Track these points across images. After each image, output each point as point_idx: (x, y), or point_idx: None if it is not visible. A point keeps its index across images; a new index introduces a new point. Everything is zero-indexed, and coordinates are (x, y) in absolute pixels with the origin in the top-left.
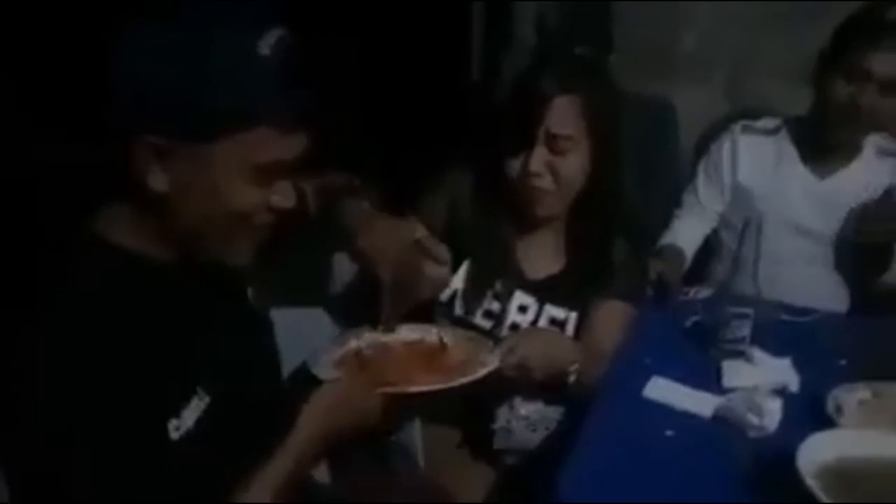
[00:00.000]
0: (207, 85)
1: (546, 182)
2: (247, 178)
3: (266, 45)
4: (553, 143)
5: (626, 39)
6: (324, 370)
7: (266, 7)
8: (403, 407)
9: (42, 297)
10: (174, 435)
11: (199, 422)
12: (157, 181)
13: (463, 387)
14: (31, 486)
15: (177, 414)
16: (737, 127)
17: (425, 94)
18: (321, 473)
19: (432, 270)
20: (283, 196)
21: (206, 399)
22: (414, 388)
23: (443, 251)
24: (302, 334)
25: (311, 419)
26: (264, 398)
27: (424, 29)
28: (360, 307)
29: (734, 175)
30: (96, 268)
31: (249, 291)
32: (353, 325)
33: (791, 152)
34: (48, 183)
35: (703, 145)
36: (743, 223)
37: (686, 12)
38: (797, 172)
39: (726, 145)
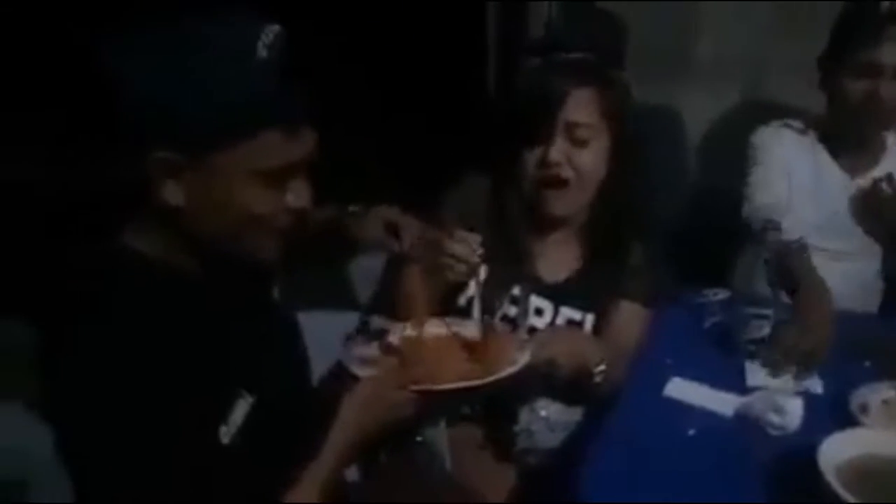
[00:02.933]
0: (208, 95)
1: (566, 172)
2: (260, 182)
3: (263, 46)
4: (572, 132)
5: (642, 41)
6: (358, 366)
7: (258, 5)
8: (435, 403)
9: (83, 315)
10: (225, 440)
11: (245, 423)
12: (173, 195)
13: (494, 384)
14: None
15: (225, 419)
16: (775, 123)
17: (439, 96)
18: (350, 472)
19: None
20: (297, 196)
21: (250, 400)
22: (446, 386)
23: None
24: (322, 336)
25: (351, 416)
26: (300, 396)
27: (439, 30)
28: (386, 307)
29: (785, 164)
30: (132, 280)
31: (276, 293)
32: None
33: (823, 154)
34: (75, 199)
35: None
36: (762, 226)
37: (703, 14)
38: (831, 171)
39: (767, 135)
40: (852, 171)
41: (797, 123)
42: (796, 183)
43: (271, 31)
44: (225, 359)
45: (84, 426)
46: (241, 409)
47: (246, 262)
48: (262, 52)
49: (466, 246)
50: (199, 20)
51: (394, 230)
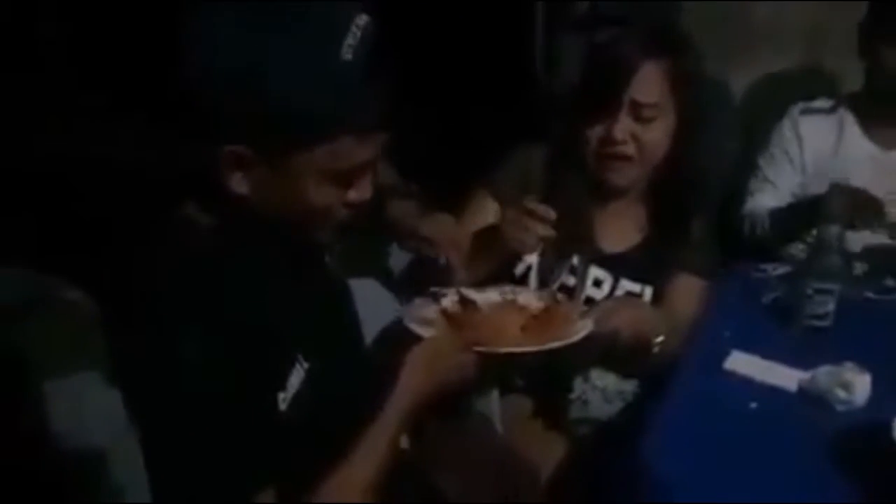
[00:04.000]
0: (291, 97)
1: (629, 149)
2: (327, 181)
3: (348, 48)
4: (638, 111)
5: (699, 8)
6: (419, 326)
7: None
8: (495, 366)
9: (146, 284)
10: (283, 405)
11: (301, 389)
12: (239, 185)
13: (556, 350)
14: (167, 469)
15: (283, 386)
16: (795, 109)
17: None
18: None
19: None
20: (360, 191)
21: (306, 365)
22: (510, 349)
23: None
24: (369, 303)
25: (414, 376)
26: (354, 361)
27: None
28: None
29: (802, 157)
30: (194, 250)
31: (327, 259)
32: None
33: (853, 128)
34: (132, 173)
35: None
36: (827, 194)
37: None
38: (862, 146)
39: (787, 126)
40: (886, 144)
41: (824, 103)
42: (818, 167)
43: (358, 27)
44: (283, 325)
45: (151, 394)
46: (297, 374)
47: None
48: (347, 55)
49: (538, 220)
50: (284, 8)
51: (446, 243)
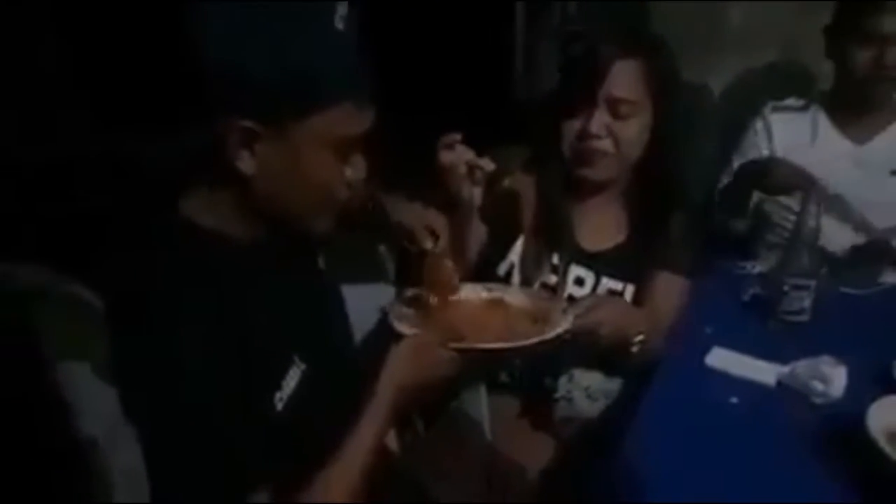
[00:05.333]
0: (290, 65)
1: (606, 144)
2: (329, 153)
3: (340, 18)
4: (614, 106)
5: (672, 13)
6: (401, 324)
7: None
8: (476, 363)
9: (144, 284)
10: (279, 406)
11: (298, 390)
12: (246, 165)
13: (535, 346)
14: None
15: (279, 386)
16: (766, 108)
17: (470, 78)
18: (390, 442)
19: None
20: (356, 168)
21: (303, 367)
22: (487, 345)
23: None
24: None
25: (396, 371)
26: (346, 363)
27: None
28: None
29: (772, 151)
30: (191, 251)
31: (321, 262)
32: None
33: (826, 124)
34: (131, 169)
35: (726, 128)
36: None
37: None
38: (836, 141)
39: (759, 125)
40: (859, 139)
41: (795, 102)
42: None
43: (342, 5)
44: (279, 327)
45: (146, 392)
46: (293, 376)
47: (300, 234)
48: (339, 24)
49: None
50: None
51: (431, 231)
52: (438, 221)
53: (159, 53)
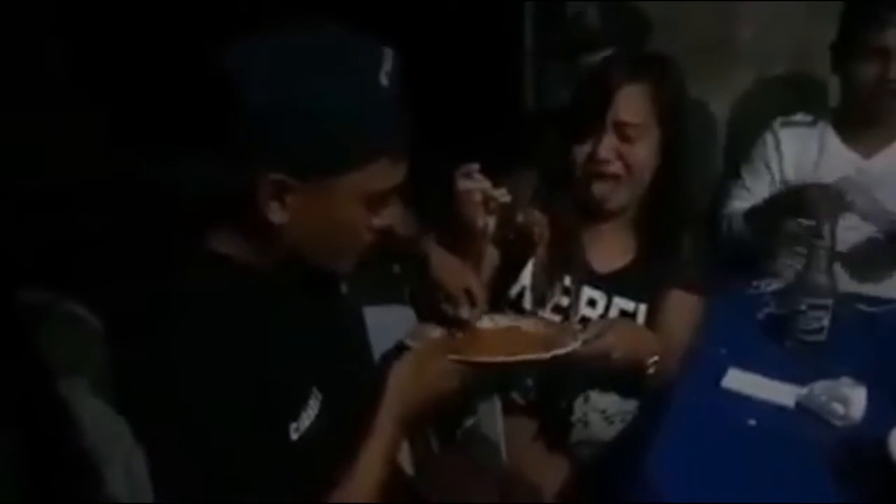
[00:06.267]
0: (336, 121)
1: (615, 168)
2: (363, 204)
3: (385, 74)
4: (622, 130)
5: (681, 31)
6: (412, 342)
7: (377, 32)
8: (481, 377)
9: (166, 313)
10: (294, 436)
11: (314, 421)
12: (277, 215)
13: (538, 362)
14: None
15: (296, 416)
16: (775, 123)
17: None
18: (405, 464)
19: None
20: (389, 218)
21: (320, 397)
22: (485, 358)
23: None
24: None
25: (400, 385)
26: (364, 391)
27: (476, 35)
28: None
29: (781, 169)
30: (215, 282)
31: (343, 288)
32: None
33: (833, 139)
34: (161, 203)
35: (735, 145)
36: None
37: (742, 5)
38: (844, 155)
39: (769, 140)
40: (866, 152)
41: (804, 117)
42: (801, 176)
43: (389, 57)
44: (299, 357)
45: (161, 420)
46: (312, 406)
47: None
48: (384, 81)
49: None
50: (323, 39)
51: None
52: (477, 286)
53: (195, 87)
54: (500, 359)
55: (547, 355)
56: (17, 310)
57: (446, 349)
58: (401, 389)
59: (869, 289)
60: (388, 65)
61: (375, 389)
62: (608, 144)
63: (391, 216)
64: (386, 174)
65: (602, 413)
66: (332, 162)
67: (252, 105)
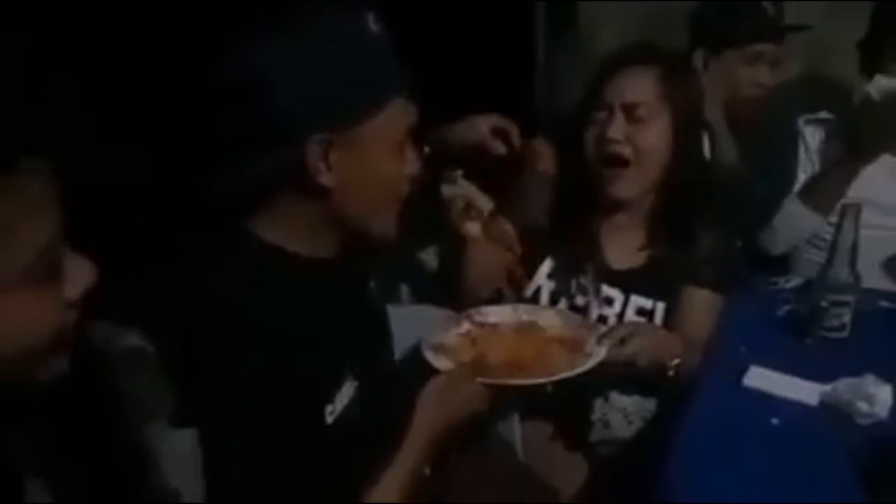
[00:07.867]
0: (347, 76)
1: (625, 150)
2: (393, 150)
3: (373, 22)
4: (630, 112)
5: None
6: (434, 356)
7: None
8: (508, 397)
9: (207, 296)
10: (329, 419)
11: (348, 406)
12: (328, 178)
13: (568, 381)
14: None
15: (331, 399)
16: (799, 120)
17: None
18: None
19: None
20: (412, 166)
21: (356, 384)
22: (519, 381)
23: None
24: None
25: (427, 412)
26: (390, 381)
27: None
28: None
29: (812, 161)
30: (257, 267)
31: (371, 285)
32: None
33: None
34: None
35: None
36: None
37: None
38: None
39: (795, 136)
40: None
41: (827, 115)
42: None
43: (366, 9)
44: (334, 342)
45: (207, 404)
46: (346, 390)
47: (367, 242)
48: (374, 28)
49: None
50: (317, 14)
51: (500, 133)
52: (510, 125)
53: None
54: (528, 381)
55: (577, 371)
56: (89, 349)
57: (475, 371)
58: (428, 416)
59: (891, 285)
60: (370, 15)
61: (403, 412)
62: (617, 125)
63: (415, 162)
64: (404, 113)
65: (622, 412)
66: (358, 110)
67: (286, 89)
